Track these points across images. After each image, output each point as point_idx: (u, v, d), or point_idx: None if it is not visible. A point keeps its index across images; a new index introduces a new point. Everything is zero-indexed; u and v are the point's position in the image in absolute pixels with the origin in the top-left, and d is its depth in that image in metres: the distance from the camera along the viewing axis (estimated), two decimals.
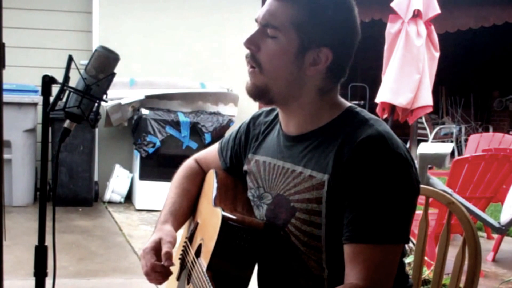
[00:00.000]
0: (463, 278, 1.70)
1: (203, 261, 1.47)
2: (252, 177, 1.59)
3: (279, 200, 1.49)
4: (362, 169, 1.33)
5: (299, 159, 1.46)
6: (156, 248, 1.54)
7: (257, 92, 1.44)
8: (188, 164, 1.82)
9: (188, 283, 1.56)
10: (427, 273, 3.58)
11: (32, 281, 2.18)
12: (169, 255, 1.50)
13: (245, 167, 1.63)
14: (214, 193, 1.60)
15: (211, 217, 1.53)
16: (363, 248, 1.33)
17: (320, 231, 1.41)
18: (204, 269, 1.43)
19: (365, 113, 1.46)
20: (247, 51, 1.45)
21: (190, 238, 1.68)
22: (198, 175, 1.78)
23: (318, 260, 1.45)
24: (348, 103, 1.49)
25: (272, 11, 1.40)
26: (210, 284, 1.37)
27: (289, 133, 1.51)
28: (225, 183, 1.66)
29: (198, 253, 1.55)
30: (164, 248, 1.51)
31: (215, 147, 1.79)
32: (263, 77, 1.42)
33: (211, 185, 1.66)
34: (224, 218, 1.43)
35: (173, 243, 1.55)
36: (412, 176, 1.37)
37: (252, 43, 1.42)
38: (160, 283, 1.57)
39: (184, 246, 1.72)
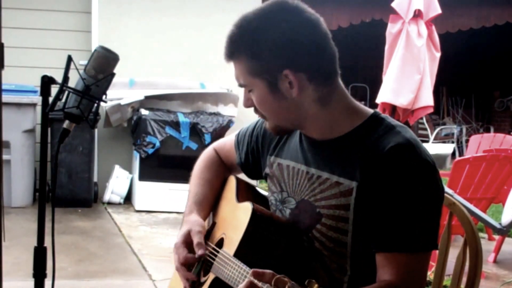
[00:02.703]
0: (464, 279, 1.70)
1: (228, 251, 1.50)
2: (274, 181, 1.60)
3: (303, 205, 1.50)
4: (393, 177, 1.35)
5: (324, 164, 1.47)
6: (187, 241, 1.59)
7: (277, 132, 1.55)
8: (208, 154, 1.85)
9: (205, 275, 1.58)
10: (428, 274, 3.57)
11: (31, 282, 2.16)
12: (201, 245, 1.55)
13: (267, 170, 1.64)
14: (236, 192, 1.66)
15: (234, 213, 1.58)
16: (396, 256, 1.36)
17: (346, 238, 1.42)
18: (232, 254, 1.46)
19: (390, 119, 1.46)
20: None
21: (206, 236, 1.69)
22: (219, 165, 1.82)
23: (342, 264, 1.46)
24: (371, 110, 1.49)
25: (235, 74, 1.49)
26: (240, 262, 1.41)
27: (312, 137, 1.51)
28: (246, 187, 1.72)
29: (219, 246, 1.58)
30: (195, 239, 1.57)
31: (233, 138, 1.80)
32: (271, 121, 1.50)
33: (231, 188, 1.71)
34: (254, 209, 1.47)
35: (203, 232, 1.61)
36: (439, 183, 1.40)
37: (247, 103, 1.51)
38: (188, 282, 1.58)
39: None
